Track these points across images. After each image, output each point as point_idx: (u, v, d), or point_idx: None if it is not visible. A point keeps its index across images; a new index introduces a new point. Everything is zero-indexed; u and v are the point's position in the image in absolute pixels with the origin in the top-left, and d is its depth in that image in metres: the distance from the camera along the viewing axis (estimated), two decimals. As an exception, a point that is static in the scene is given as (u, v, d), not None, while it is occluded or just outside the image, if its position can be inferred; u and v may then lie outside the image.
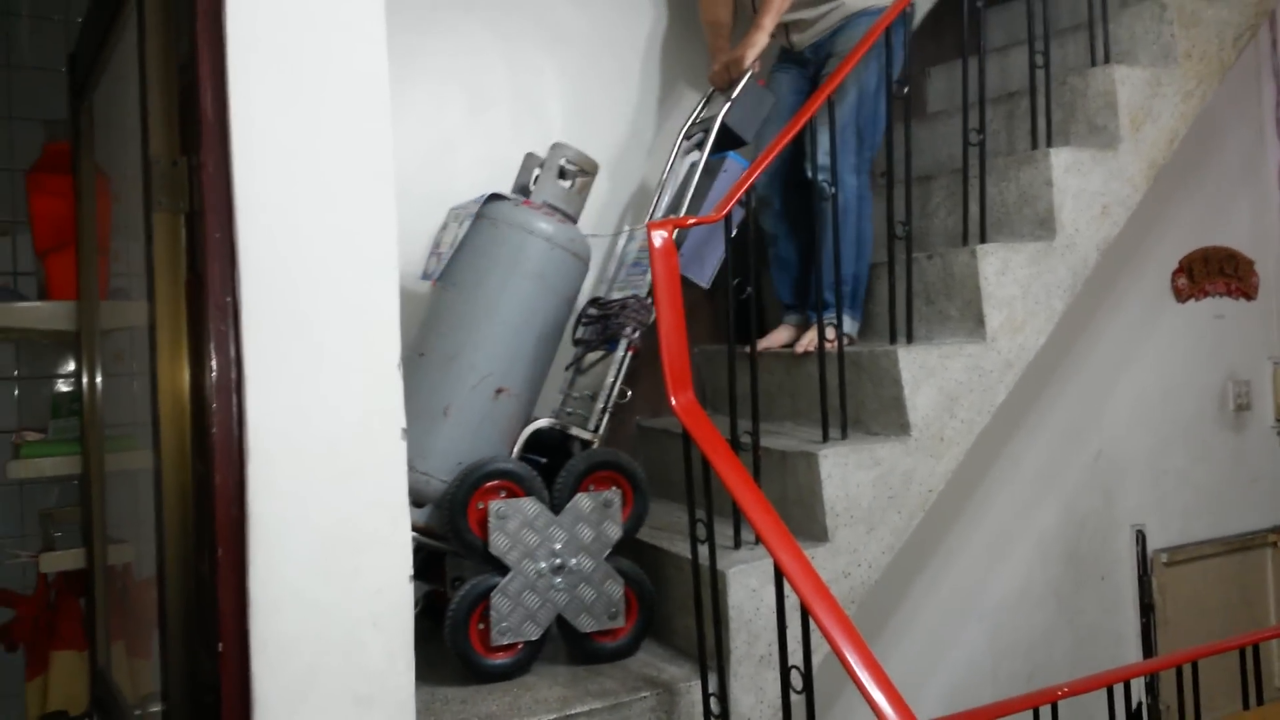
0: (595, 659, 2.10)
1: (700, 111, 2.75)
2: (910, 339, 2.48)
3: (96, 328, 2.26)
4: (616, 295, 2.41)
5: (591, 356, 2.36)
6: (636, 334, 2.25)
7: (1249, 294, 3.91)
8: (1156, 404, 3.65)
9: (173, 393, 1.35)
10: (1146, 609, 3.49)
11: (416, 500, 2.07)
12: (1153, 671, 3.32)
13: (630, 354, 2.27)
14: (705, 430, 1.88)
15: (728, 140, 2.50)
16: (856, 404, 2.43)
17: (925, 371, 2.33)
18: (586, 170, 2.35)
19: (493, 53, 2.84)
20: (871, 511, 2.22)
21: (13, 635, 2.56)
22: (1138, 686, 3.40)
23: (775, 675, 1.93)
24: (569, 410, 2.31)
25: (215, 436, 1.24)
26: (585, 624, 2.07)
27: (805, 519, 2.22)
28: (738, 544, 2.14)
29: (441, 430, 2.12)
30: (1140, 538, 3.52)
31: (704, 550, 1.92)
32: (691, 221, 2.22)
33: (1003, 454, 3.29)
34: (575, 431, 2.21)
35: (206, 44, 1.26)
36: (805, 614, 1.63)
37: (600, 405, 2.24)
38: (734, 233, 2.26)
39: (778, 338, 2.78)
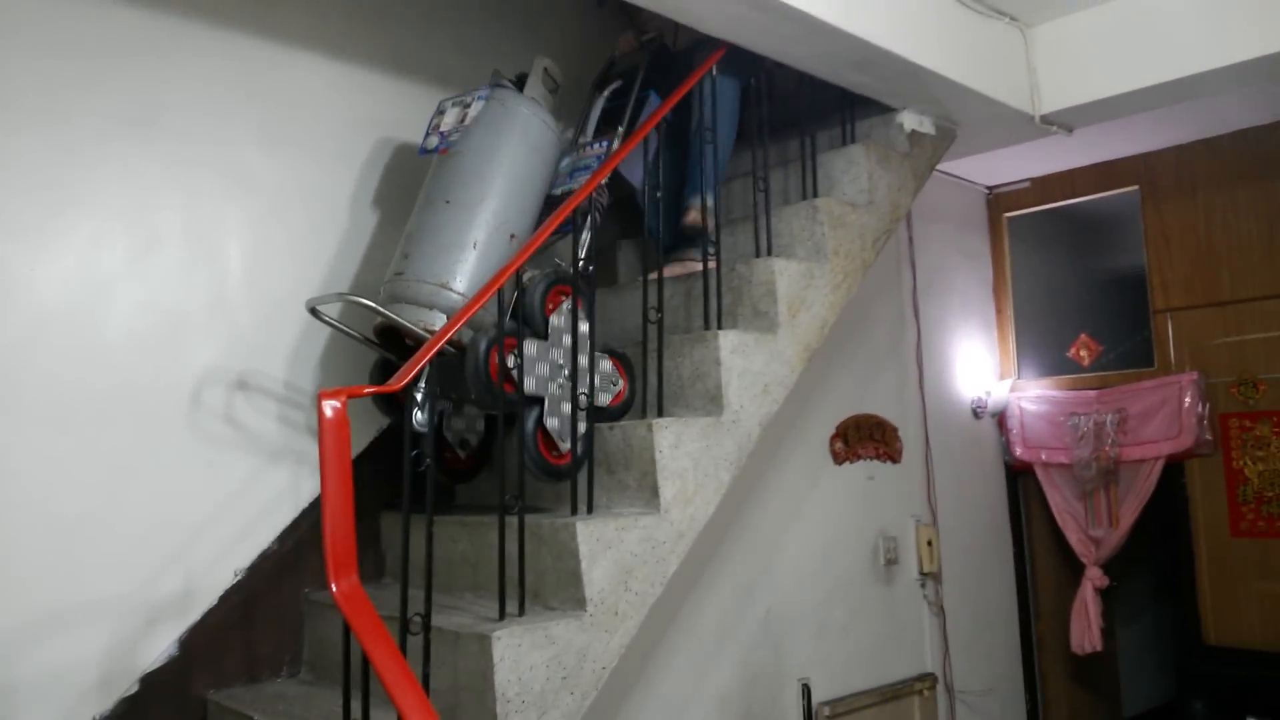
0: (613, 418, 2.67)
1: (612, 69, 3.25)
2: (591, 509, 2.51)
3: None
4: (559, 192, 2.84)
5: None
6: (595, 215, 2.74)
7: (894, 458, 4.37)
8: (818, 560, 3.93)
9: None
10: (812, 765, 3.66)
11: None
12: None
13: (590, 233, 2.71)
14: (367, 622, 1.77)
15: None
16: (537, 576, 2.40)
17: (602, 544, 2.36)
18: (558, 82, 2.98)
19: (168, 192, 2.65)
20: (544, 695, 2.16)
21: None
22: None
23: None
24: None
25: None
26: (603, 400, 2.63)
27: (477, 706, 2.12)
28: (401, 740, 2.00)
29: (471, 260, 2.58)
30: (806, 691, 3.71)
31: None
32: (367, 391, 2.14)
33: (681, 615, 3.38)
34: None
35: None
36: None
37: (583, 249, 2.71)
38: (421, 407, 2.24)
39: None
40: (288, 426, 2.80)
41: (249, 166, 2.80)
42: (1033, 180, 5.08)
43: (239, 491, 2.69)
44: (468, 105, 2.73)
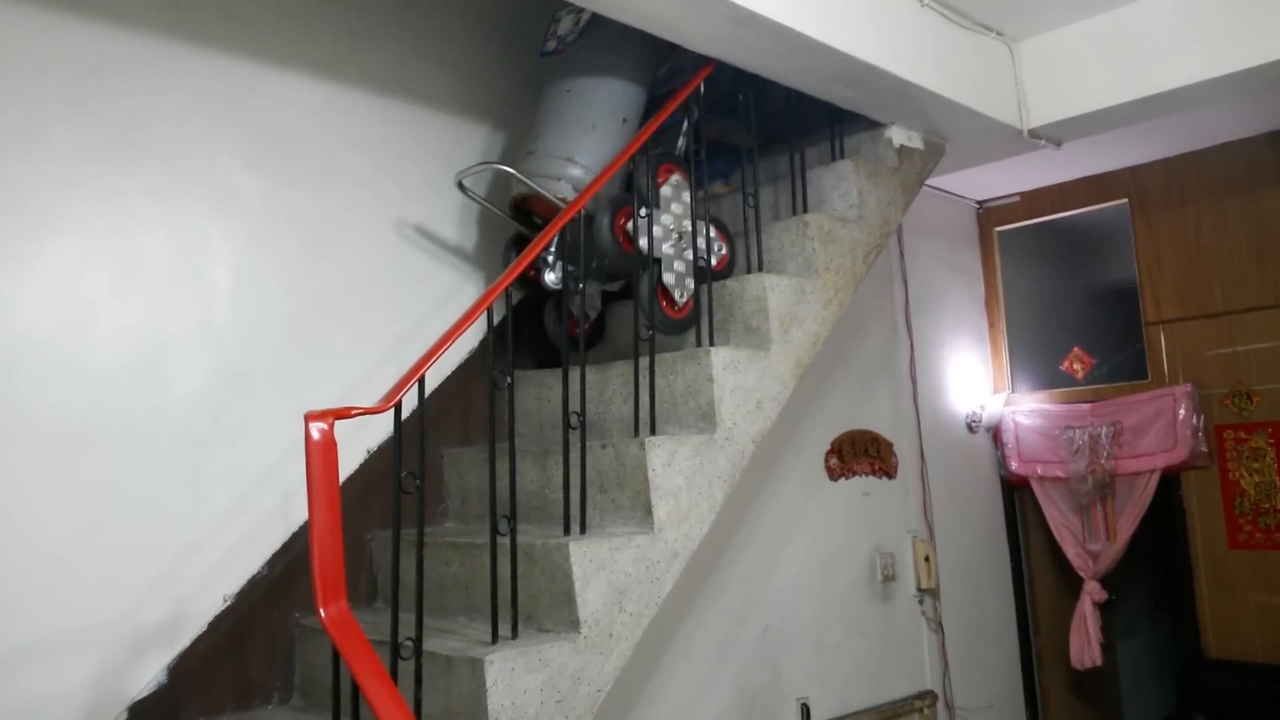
0: (719, 278, 2.99)
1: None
2: (584, 528, 2.48)
3: None
4: (660, 94, 3.11)
5: None
6: (694, 107, 2.99)
7: (890, 473, 4.35)
8: (816, 577, 3.90)
9: None
10: (811, 786, 3.62)
11: (578, 188, 2.83)
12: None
13: (689, 121, 3.03)
14: (356, 648, 1.73)
15: None
16: (530, 598, 2.37)
17: (596, 565, 2.33)
18: None
19: (152, 214, 2.63)
20: (538, 719, 2.13)
21: None
22: None
23: None
24: None
25: None
26: (711, 261, 2.97)
27: (469, 731, 2.09)
28: (392, 768, 1.96)
29: (591, 139, 2.90)
30: (805, 711, 3.67)
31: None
32: (355, 413, 2.11)
33: (677, 635, 3.34)
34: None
35: None
36: None
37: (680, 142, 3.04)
38: (402, 416, 2.21)
39: None
40: (276, 451, 2.76)
41: (234, 186, 2.78)
42: (1022, 194, 5.09)
43: (227, 515, 2.65)
44: (581, 11, 2.99)
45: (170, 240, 2.65)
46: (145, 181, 2.62)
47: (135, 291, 2.58)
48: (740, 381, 2.72)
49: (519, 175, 2.83)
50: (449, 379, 3.12)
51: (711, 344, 2.80)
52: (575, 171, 2.85)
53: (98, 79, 2.57)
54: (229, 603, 2.63)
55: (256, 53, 2.86)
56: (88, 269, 2.51)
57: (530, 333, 3.30)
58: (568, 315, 2.85)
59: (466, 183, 3.01)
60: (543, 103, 3.02)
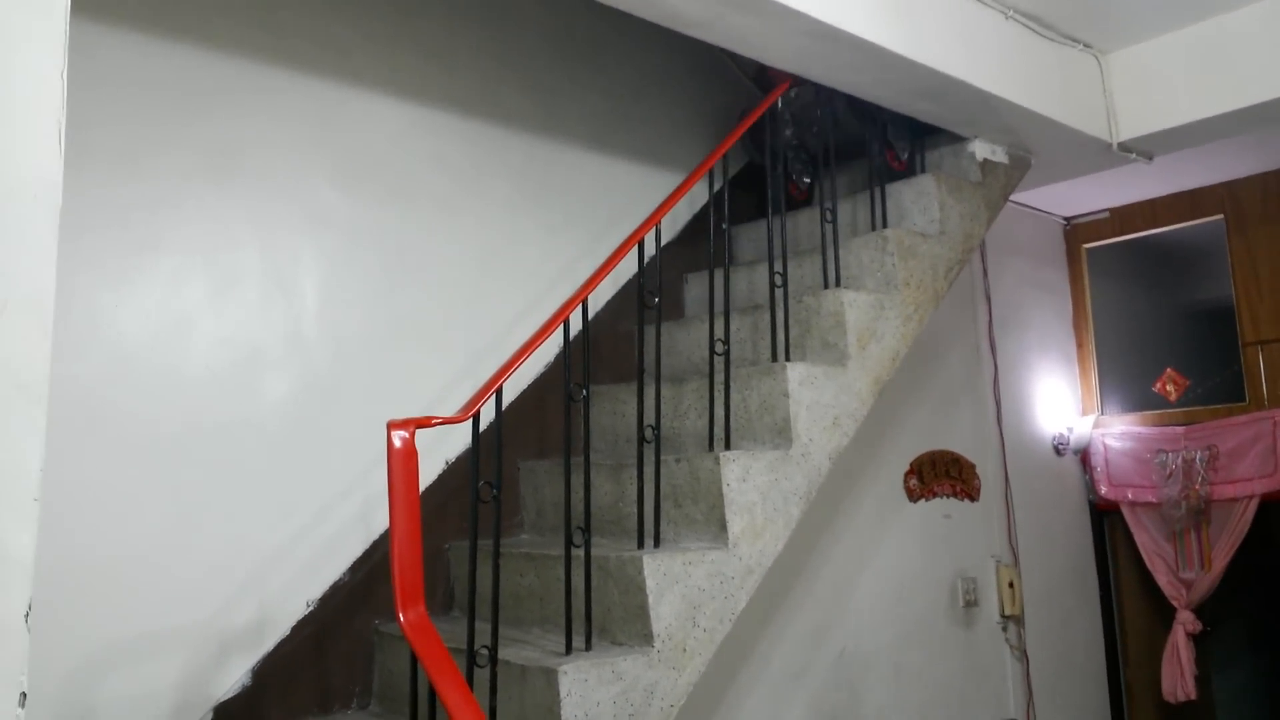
0: (894, 177, 3.39)
1: None
2: (658, 542, 2.48)
3: None
4: None
5: None
6: None
7: (972, 495, 4.24)
8: (894, 600, 3.82)
9: None
10: (889, 813, 3.53)
11: None
12: None
13: None
14: (434, 654, 1.76)
15: None
16: (604, 610, 2.38)
17: (669, 579, 2.32)
18: None
19: (244, 230, 2.73)
20: (611, 732, 2.13)
21: None
22: None
23: None
24: None
25: None
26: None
27: (542, 741, 2.10)
28: (467, 774, 1.98)
29: None
30: (882, 737, 3.60)
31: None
32: (435, 422, 2.16)
33: (752, 655, 3.31)
34: None
35: None
36: None
37: None
38: (480, 427, 2.24)
39: None
40: (359, 460, 2.83)
41: (322, 206, 2.87)
42: (1112, 210, 4.95)
43: (311, 523, 2.72)
44: None
45: (262, 257, 2.75)
46: (240, 201, 2.72)
47: (229, 306, 2.68)
48: (817, 397, 2.69)
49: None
50: (525, 393, 3.16)
51: (788, 359, 2.78)
52: None
53: (196, 103, 2.68)
54: (312, 608, 2.70)
55: (346, 77, 2.96)
56: (184, 283, 2.61)
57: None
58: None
59: None
60: None
